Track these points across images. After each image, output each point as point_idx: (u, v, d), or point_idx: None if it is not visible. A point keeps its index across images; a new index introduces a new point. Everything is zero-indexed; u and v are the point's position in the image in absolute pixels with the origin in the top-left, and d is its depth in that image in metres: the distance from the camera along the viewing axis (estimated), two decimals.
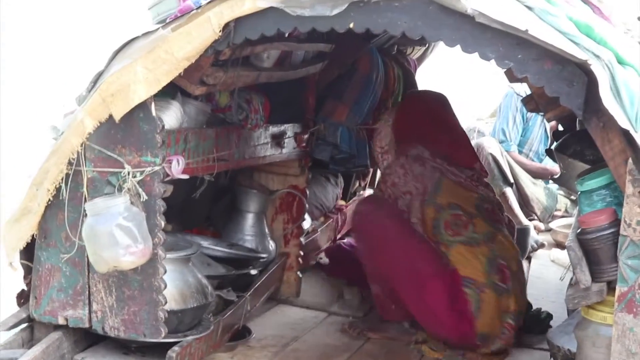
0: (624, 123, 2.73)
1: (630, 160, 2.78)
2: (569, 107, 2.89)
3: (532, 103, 3.82)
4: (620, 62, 2.84)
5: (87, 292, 3.39)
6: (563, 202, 7.15)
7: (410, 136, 4.28)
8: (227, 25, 3.10)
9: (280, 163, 4.69)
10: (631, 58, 2.92)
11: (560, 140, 3.99)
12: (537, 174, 7.18)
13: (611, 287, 2.94)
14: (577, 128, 4.13)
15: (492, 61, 2.89)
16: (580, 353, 3.08)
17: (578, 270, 2.97)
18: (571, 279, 4.59)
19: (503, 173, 6.76)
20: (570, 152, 3.79)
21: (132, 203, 3.22)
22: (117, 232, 3.14)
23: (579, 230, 3.01)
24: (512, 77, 3.68)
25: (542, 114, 3.92)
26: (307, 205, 4.96)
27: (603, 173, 3.07)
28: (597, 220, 2.95)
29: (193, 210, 4.70)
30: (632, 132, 2.74)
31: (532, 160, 7.28)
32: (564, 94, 2.85)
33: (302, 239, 4.95)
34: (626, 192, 2.81)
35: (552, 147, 4.05)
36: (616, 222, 2.90)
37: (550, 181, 7.11)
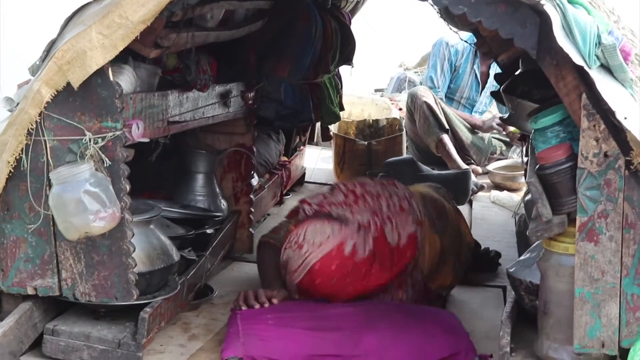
0: (577, 60, 2.83)
1: (584, 95, 2.88)
2: (522, 48, 2.98)
3: (485, 46, 3.90)
4: (571, 1, 2.93)
5: (55, 261, 3.38)
6: (497, 144, 7.30)
7: None
8: None
9: (226, 122, 4.71)
10: None
11: (507, 82, 4.07)
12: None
13: (571, 218, 3.04)
14: (520, 70, 4.22)
15: (446, 6, 2.98)
16: (544, 283, 3.18)
17: (539, 205, 3.06)
18: (520, 215, 4.75)
19: (438, 120, 6.86)
20: (518, 93, 3.87)
21: (96, 169, 3.22)
22: (86, 198, 3.14)
23: (537, 167, 3.10)
24: (465, 22, 3.75)
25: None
26: (254, 163, 5.01)
27: (555, 110, 3.15)
28: (554, 156, 3.03)
29: (142, 175, 4.71)
30: (585, 67, 2.84)
31: (465, 106, 7.39)
32: (518, 35, 2.94)
33: (252, 196, 5.00)
34: (582, 127, 2.91)
35: (501, 89, 4.12)
36: (572, 156, 3.00)
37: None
